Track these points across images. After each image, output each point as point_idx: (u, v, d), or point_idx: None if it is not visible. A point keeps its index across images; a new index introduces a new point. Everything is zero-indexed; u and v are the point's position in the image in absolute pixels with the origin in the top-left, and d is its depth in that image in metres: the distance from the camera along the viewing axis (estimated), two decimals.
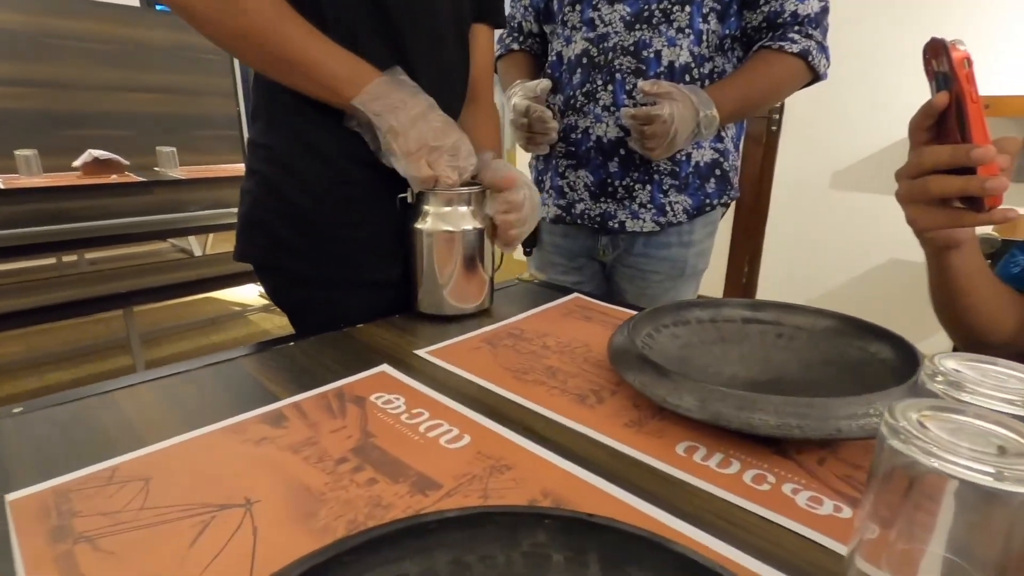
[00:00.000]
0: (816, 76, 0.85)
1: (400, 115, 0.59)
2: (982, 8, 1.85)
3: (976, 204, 0.46)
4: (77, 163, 2.29)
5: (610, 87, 0.85)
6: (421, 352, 0.56)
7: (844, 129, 2.17)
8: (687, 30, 0.83)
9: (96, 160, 2.28)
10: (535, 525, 0.26)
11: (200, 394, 0.47)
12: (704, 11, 0.83)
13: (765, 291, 2.54)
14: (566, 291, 0.76)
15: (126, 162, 2.37)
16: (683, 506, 0.34)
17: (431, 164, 0.60)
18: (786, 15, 0.82)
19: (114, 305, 1.91)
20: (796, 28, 0.83)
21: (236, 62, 3.32)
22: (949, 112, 0.45)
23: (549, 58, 0.95)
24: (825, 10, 0.84)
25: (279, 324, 2.74)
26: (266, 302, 2.95)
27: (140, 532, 0.31)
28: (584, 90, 0.88)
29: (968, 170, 0.45)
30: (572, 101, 0.89)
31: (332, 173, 0.65)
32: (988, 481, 0.19)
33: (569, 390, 0.49)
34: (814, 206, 2.29)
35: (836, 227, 2.25)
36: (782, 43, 0.82)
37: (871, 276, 2.20)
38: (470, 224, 0.63)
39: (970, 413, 0.22)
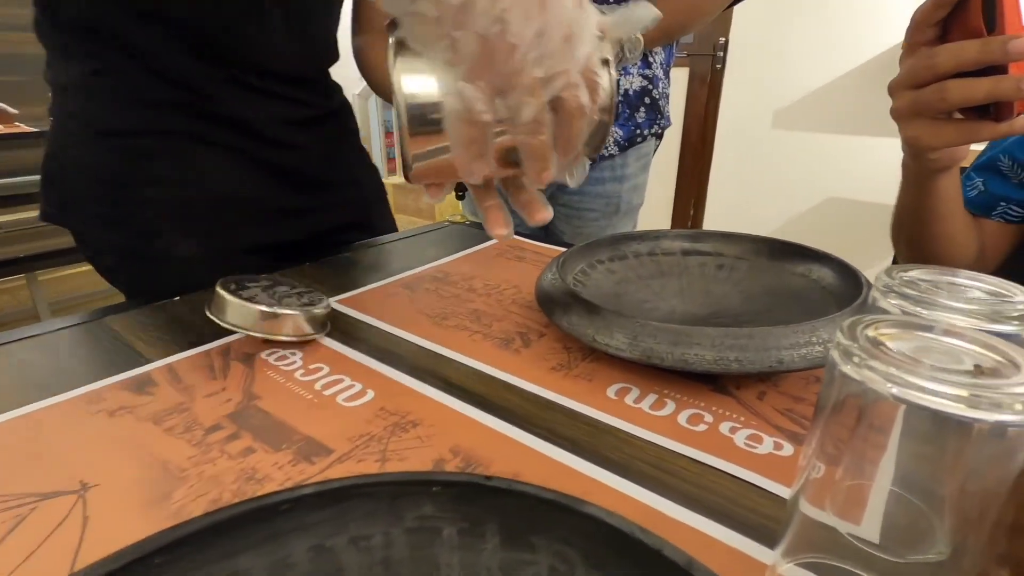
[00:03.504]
0: None
1: None
2: None
3: (989, 111, 0.39)
4: None
5: None
6: (329, 301, 0.49)
7: (786, 68, 2.15)
8: None
9: None
10: (420, 495, 0.21)
11: (49, 361, 0.39)
12: None
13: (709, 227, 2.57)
14: None
15: (14, 111, 2.10)
16: (611, 455, 0.30)
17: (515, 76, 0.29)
18: None
19: (14, 270, 1.73)
20: None
21: None
22: (971, 6, 0.37)
23: None
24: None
25: None
26: None
27: None
28: None
29: (988, 72, 0.37)
30: None
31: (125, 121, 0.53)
32: (961, 408, 0.15)
33: (493, 335, 0.44)
34: (757, 145, 2.29)
35: (777, 166, 2.26)
36: None
37: (810, 214, 2.24)
38: None
39: (939, 329, 0.18)
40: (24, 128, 2.04)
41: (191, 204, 0.56)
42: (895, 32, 1.87)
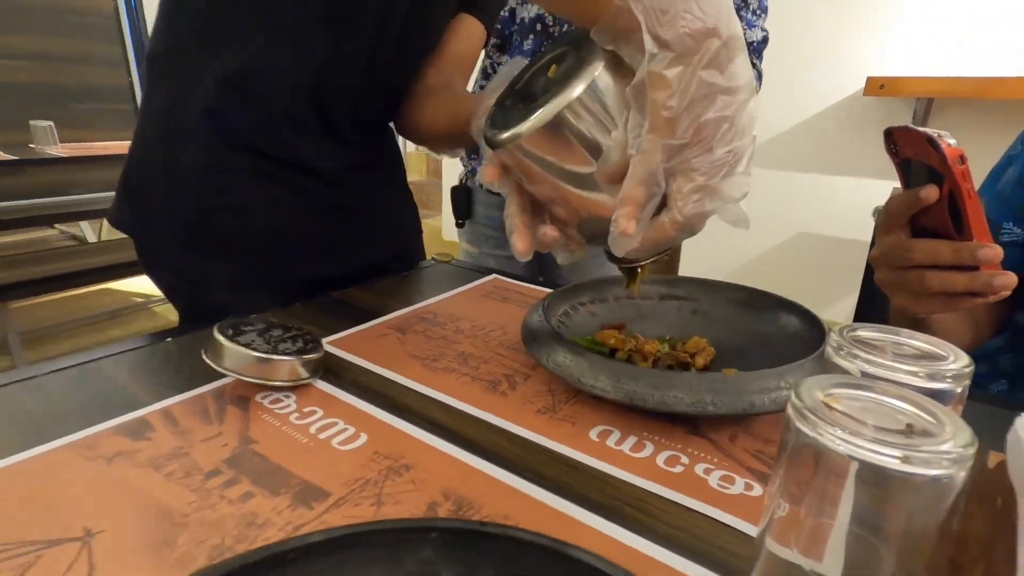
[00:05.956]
0: None
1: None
2: None
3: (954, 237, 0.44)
4: None
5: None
6: (323, 344, 0.51)
7: (757, 110, 2.25)
8: None
9: None
10: (420, 540, 0.22)
11: (43, 405, 0.40)
12: None
13: (686, 266, 2.63)
14: (484, 272, 0.73)
15: None
16: (593, 496, 0.32)
17: (677, 170, 0.30)
18: None
19: None
20: None
21: (126, 26, 3.00)
22: (939, 204, 0.43)
23: (502, 13, 0.90)
24: (766, 40, 0.90)
25: None
26: None
27: None
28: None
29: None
30: None
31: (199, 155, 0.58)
32: (895, 464, 0.18)
33: (480, 377, 0.46)
34: None
35: (749, 202, 2.34)
36: None
37: (782, 248, 2.32)
38: None
39: (877, 389, 0.21)
40: (1, 156, 2.03)
41: (253, 235, 0.61)
42: (856, 80, 1.98)
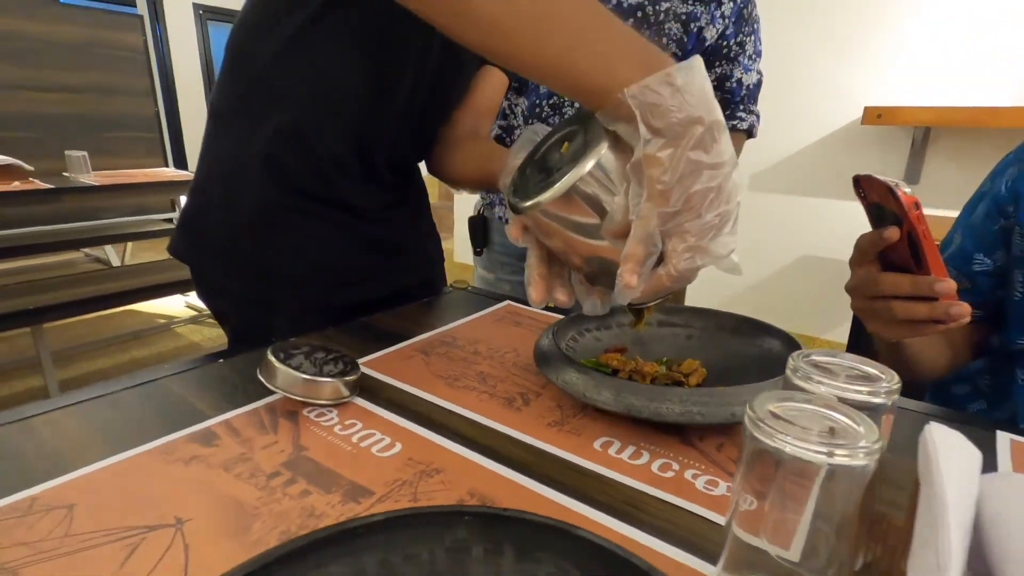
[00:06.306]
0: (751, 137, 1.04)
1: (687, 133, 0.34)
2: (880, 17, 2.03)
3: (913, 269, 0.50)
4: None
5: (576, 104, 0.90)
6: (360, 366, 0.57)
7: (760, 137, 2.33)
8: None
9: None
10: (455, 523, 0.28)
11: (124, 416, 0.47)
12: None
13: (695, 287, 2.68)
14: (499, 298, 0.79)
15: (29, 168, 2.20)
16: (596, 496, 0.38)
17: (672, 232, 0.36)
18: (732, 82, 0.95)
19: (22, 323, 1.78)
20: (742, 107, 0.98)
21: (153, 59, 3.15)
22: (900, 242, 0.49)
23: None
24: (760, 82, 0.99)
25: (208, 336, 2.62)
26: (194, 313, 2.82)
27: (65, 559, 0.31)
28: (551, 101, 0.91)
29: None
30: (537, 110, 0.93)
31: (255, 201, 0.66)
32: (822, 459, 0.24)
33: (498, 394, 0.52)
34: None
35: (754, 226, 2.41)
36: (733, 122, 0.98)
37: (786, 271, 2.37)
38: None
39: (814, 401, 0.26)
40: (39, 184, 2.14)
41: (299, 266, 0.69)
42: (855, 109, 2.05)
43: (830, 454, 0.23)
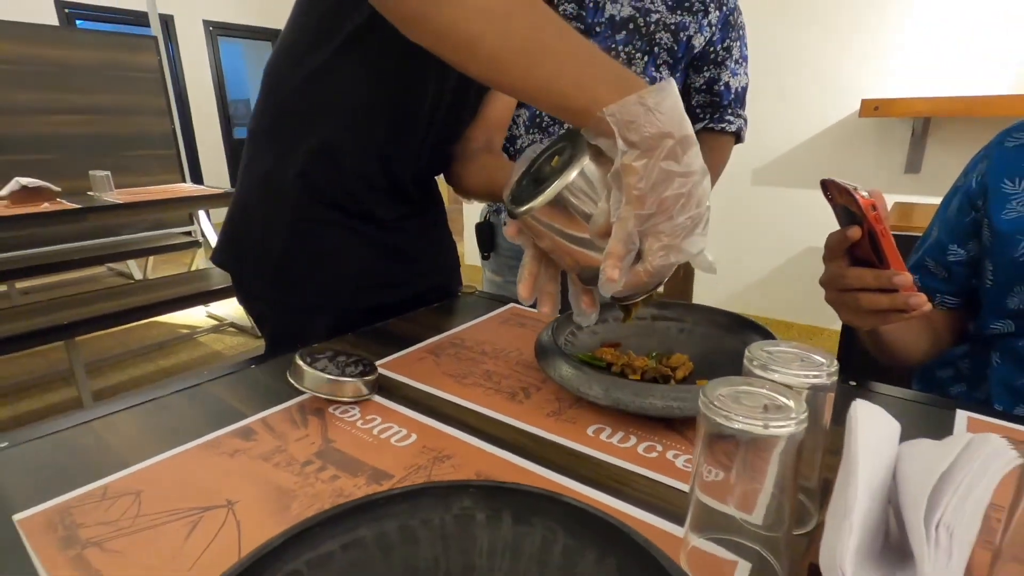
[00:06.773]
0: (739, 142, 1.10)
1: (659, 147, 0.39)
2: (873, 9, 2.06)
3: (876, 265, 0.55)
4: (3, 192, 2.21)
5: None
6: (377, 367, 0.63)
7: (759, 131, 2.36)
8: (643, 76, 0.94)
9: (24, 188, 2.21)
10: (462, 494, 0.34)
11: (174, 417, 0.53)
12: (658, 62, 0.96)
13: (701, 278, 2.72)
14: (504, 301, 0.85)
15: (57, 188, 2.30)
16: (587, 474, 0.43)
17: (648, 232, 0.41)
18: (720, 85, 1.01)
19: (55, 337, 1.87)
20: (730, 111, 1.03)
21: (168, 78, 3.26)
22: (863, 240, 0.54)
23: None
24: (746, 87, 1.04)
25: (230, 344, 2.71)
26: (215, 323, 2.91)
27: (139, 534, 0.37)
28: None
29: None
30: (538, 120, 0.99)
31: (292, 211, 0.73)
32: (759, 430, 0.29)
33: (502, 389, 0.57)
34: (739, 201, 2.47)
35: (758, 220, 2.44)
36: (722, 124, 1.04)
37: (791, 264, 2.40)
38: None
39: (754, 384, 0.32)
40: (66, 204, 2.23)
41: (330, 273, 0.76)
42: (851, 102, 2.08)
43: (766, 425, 0.29)
